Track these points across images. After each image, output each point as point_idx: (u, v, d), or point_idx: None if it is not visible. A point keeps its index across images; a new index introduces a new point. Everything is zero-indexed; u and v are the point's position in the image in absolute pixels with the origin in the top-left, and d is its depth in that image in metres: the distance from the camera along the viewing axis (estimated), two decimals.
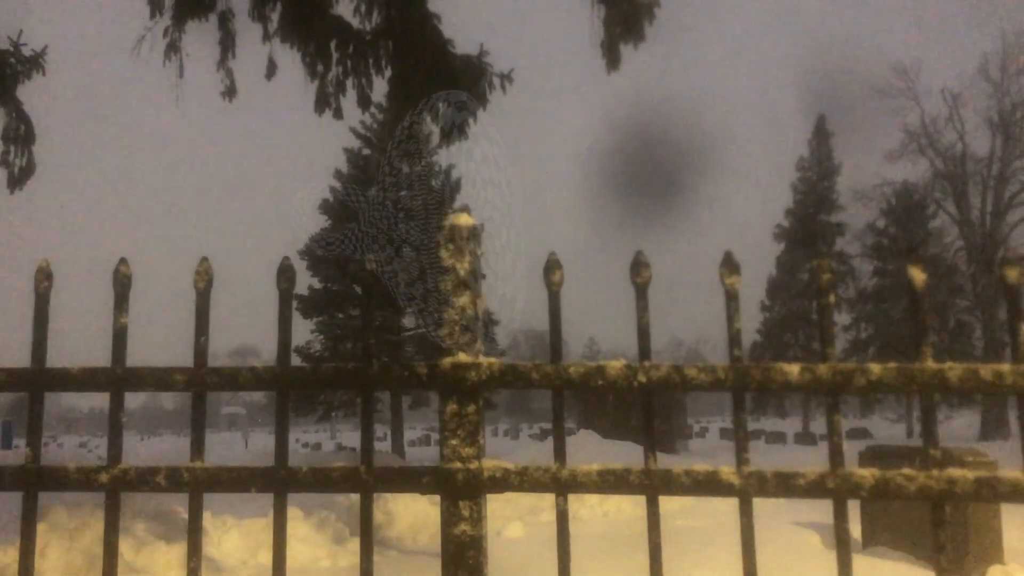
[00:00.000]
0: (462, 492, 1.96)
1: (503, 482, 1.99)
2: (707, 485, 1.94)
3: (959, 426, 39.38)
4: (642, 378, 1.98)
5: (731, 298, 2.01)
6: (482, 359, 2.03)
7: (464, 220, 2.09)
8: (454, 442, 1.99)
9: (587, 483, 1.97)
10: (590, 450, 13.91)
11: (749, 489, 1.93)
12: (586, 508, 10.50)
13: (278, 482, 2.04)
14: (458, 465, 1.98)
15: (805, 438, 37.29)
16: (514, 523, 9.39)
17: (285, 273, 2.11)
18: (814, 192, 42.46)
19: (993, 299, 35.53)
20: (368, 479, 2.02)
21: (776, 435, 39.19)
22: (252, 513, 8.01)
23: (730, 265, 2.02)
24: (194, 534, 2.06)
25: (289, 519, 2.06)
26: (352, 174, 27.56)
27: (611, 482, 1.96)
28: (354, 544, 7.75)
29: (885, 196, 40.44)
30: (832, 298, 2.02)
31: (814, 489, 1.92)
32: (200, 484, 2.05)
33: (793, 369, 1.97)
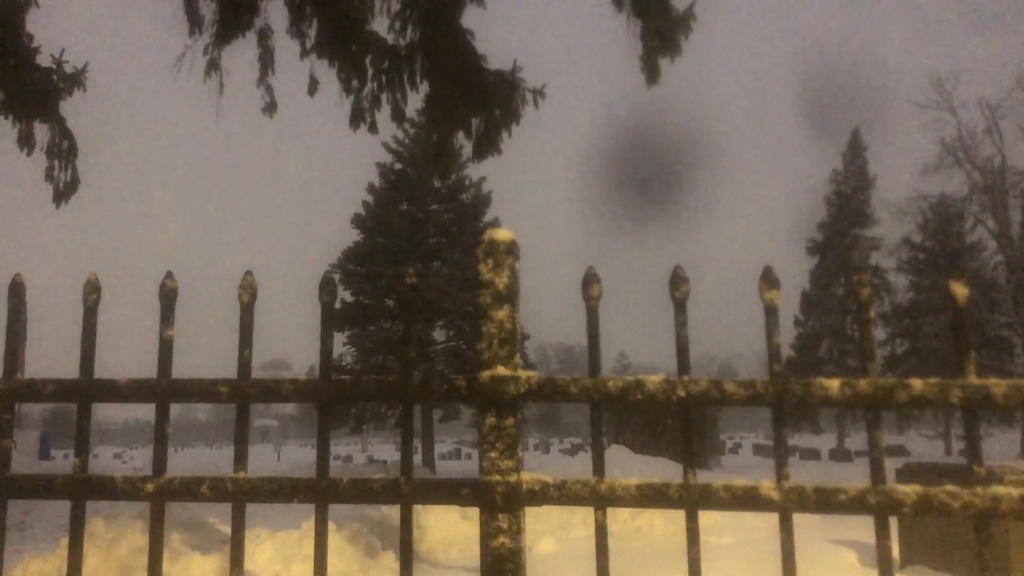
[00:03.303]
0: (501, 505, 1.97)
1: (542, 495, 1.99)
2: (747, 500, 1.93)
3: (999, 444, 38.61)
4: (681, 392, 1.98)
5: (770, 313, 2.01)
6: (520, 372, 2.04)
7: (503, 235, 2.11)
8: (493, 455, 2.00)
9: (626, 497, 1.97)
10: (622, 465, 13.80)
11: (790, 504, 1.92)
12: (618, 523, 10.42)
13: (320, 493, 2.06)
14: (497, 478, 1.98)
15: (840, 454, 36.79)
16: (546, 538, 9.35)
17: (327, 287, 2.14)
18: (848, 205, 41.99)
19: None
20: (408, 491, 2.04)
21: (810, 451, 38.72)
22: (285, 526, 8.05)
23: (769, 280, 2.02)
24: (237, 544, 2.08)
25: None
26: (385, 188, 27.76)
27: (650, 496, 1.96)
28: (386, 557, 7.80)
29: (921, 210, 39.93)
30: (872, 313, 2.01)
31: (855, 505, 1.90)
32: (243, 495, 2.08)
33: (833, 384, 1.96)
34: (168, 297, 2.15)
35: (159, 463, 2.12)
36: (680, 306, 2.04)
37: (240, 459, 2.12)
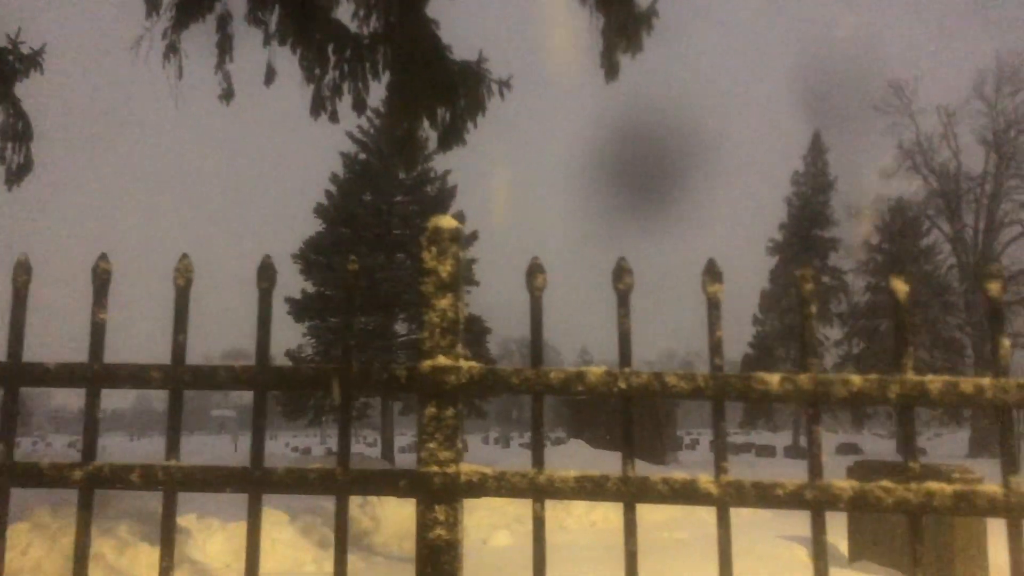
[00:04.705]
0: (438, 496, 1.95)
1: (480, 487, 1.97)
2: (685, 494, 1.93)
3: (948, 443, 39.43)
4: (622, 384, 1.97)
5: (713, 306, 2.01)
6: (462, 363, 2.02)
7: (447, 222, 2.08)
8: (432, 445, 1.97)
9: (564, 489, 1.96)
10: (580, 460, 13.88)
11: (727, 498, 1.92)
12: (573, 518, 10.45)
13: (253, 482, 2.02)
14: (435, 469, 1.96)
15: (795, 451, 37.34)
16: (500, 532, 9.34)
17: (265, 272, 2.10)
18: (809, 207, 42.51)
19: (984, 317, 35.69)
20: (344, 481, 2.01)
21: (766, 448, 39.27)
22: (238, 516, 7.96)
23: (712, 273, 2.01)
24: (167, 533, 2.03)
25: (274, 523, 2.05)
26: (349, 178, 27.52)
27: (588, 489, 1.95)
28: None
29: (879, 212, 40.57)
30: (814, 308, 2.02)
31: (792, 500, 1.90)
32: (175, 483, 2.03)
33: (773, 379, 1.96)
34: (101, 279, 2.09)
35: (88, 449, 2.06)
36: (623, 298, 2.03)
37: (172, 447, 2.06)
